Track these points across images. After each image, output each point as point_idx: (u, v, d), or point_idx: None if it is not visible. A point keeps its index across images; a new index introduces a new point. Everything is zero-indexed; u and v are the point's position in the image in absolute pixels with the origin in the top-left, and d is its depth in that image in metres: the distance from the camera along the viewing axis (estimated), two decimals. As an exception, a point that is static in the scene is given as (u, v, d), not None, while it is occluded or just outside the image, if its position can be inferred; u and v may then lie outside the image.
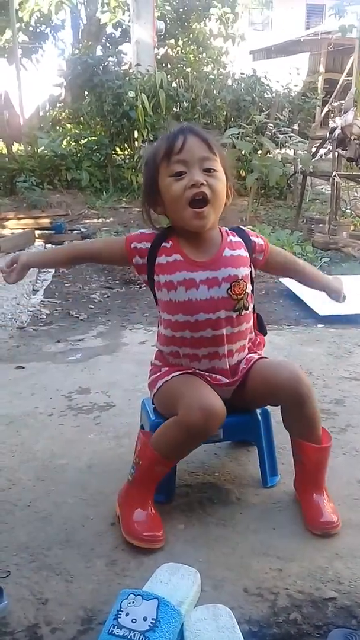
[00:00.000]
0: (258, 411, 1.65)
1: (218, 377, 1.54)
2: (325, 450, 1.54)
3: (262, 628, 1.19)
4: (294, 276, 1.81)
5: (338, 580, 1.31)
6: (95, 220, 6.52)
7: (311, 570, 1.34)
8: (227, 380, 1.54)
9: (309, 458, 1.53)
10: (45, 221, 6.06)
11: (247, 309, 1.56)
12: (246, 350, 1.61)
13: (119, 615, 1.13)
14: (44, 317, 3.40)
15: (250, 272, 1.58)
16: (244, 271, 1.53)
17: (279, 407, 1.55)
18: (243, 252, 1.55)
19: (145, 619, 1.12)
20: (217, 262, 1.50)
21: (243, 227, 1.63)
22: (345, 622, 1.21)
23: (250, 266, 1.57)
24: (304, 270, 1.76)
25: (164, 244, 1.52)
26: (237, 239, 1.57)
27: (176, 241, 1.52)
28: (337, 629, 1.17)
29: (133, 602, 1.15)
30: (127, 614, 1.13)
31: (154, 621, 1.11)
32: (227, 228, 1.59)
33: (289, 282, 3.83)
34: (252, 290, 1.60)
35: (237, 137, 6.47)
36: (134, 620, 1.11)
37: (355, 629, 1.18)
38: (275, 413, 1.60)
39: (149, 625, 1.10)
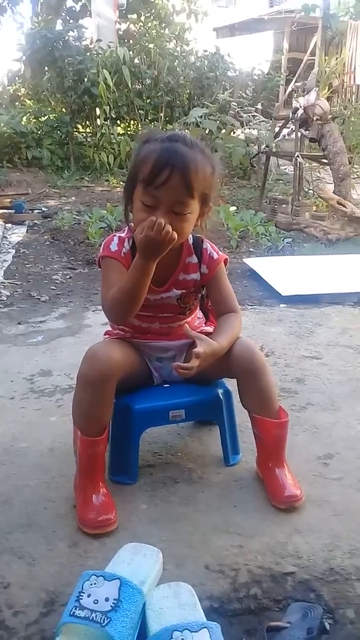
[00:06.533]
0: (220, 391, 1.66)
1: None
2: (283, 425, 1.56)
3: (223, 604, 1.21)
4: (215, 320, 1.67)
5: (297, 555, 1.34)
6: (56, 200, 6.40)
7: (271, 546, 1.37)
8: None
9: (268, 433, 1.56)
10: (5, 200, 5.92)
11: (193, 305, 1.66)
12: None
13: (80, 597, 1.13)
14: (4, 298, 3.33)
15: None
16: (194, 287, 1.62)
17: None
18: (196, 276, 1.60)
19: (107, 599, 1.12)
20: (170, 285, 1.57)
21: (204, 241, 1.62)
22: (303, 596, 1.23)
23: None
24: (223, 324, 1.59)
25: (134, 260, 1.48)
26: (194, 259, 1.59)
27: None
28: (296, 603, 1.19)
29: (95, 583, 1.15)
30: (88, 595, 1.13)
31: (115, 601, 1.12)
32: (191, 238, 1.58)
33: (253, 263, 3.86)
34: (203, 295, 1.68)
35: (202, 117, 6.42)
36: (95, 601, 1.11)
37: (313, 602, 1.20)
38: (237, 393, 1.61)
39: (111, 606, 1.11)
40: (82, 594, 1.13)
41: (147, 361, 1.66)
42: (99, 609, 1.10)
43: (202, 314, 1.78)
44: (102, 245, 1.58)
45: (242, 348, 1.54)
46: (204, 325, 1.75)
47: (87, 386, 1.46)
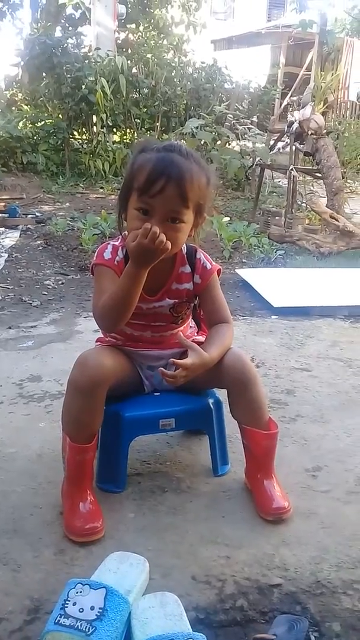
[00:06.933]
0: (210, 400, 1.66)
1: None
2: (272, 436, 1.56)
3: (209, 615, 1.21)
4: (207, 329, 1.68)
5: (284, 567, 1.34)
6: (51, 205, 6.40)
7: (258, 557, 1.37)
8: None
9: (258, 445, 1.56)
10: (-1, 204, 5.92)
11: (185, 314, 1.66)
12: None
13: (66, 605, 1.12)
14: (-4, 302, 3.32)
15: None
16: (187, 297, 1.62)
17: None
18: (189, 285, 1.60)
19: (92, 608, 1.11)
20: (163, 294, 1.58)
21: (197, 251, 1.62)
22: (290, 608, 1.23)
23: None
24: (214, 335, 1.58)
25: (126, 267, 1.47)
26: (187, 269, 1.60)
27: None
28: (282, 615, 1.19)
29: (80, 592, 1.14)
30: (74, 604, 1.12)
31: (101, 610, 1.11)
32: (185, 248, 1.59)
33: (245, 273, 3.87)
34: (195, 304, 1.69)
35: (198, 128, 6.47)
36: (81, 610, 1.11)
37: (299, 614, 1.20)
38: (227, 403, 1.61)
39: (97, 615, 1.10)
40: (67, 602, 1.12)
41: (139, 369, 1.65)
42: (84, 617, 1.09)
43: (194, 323, 1.78)
44: (96, 253, 1.58)
45: (233, 359, 1.54)
46: (196, 334, 1.75)
47: (77, 393, 1.46)
